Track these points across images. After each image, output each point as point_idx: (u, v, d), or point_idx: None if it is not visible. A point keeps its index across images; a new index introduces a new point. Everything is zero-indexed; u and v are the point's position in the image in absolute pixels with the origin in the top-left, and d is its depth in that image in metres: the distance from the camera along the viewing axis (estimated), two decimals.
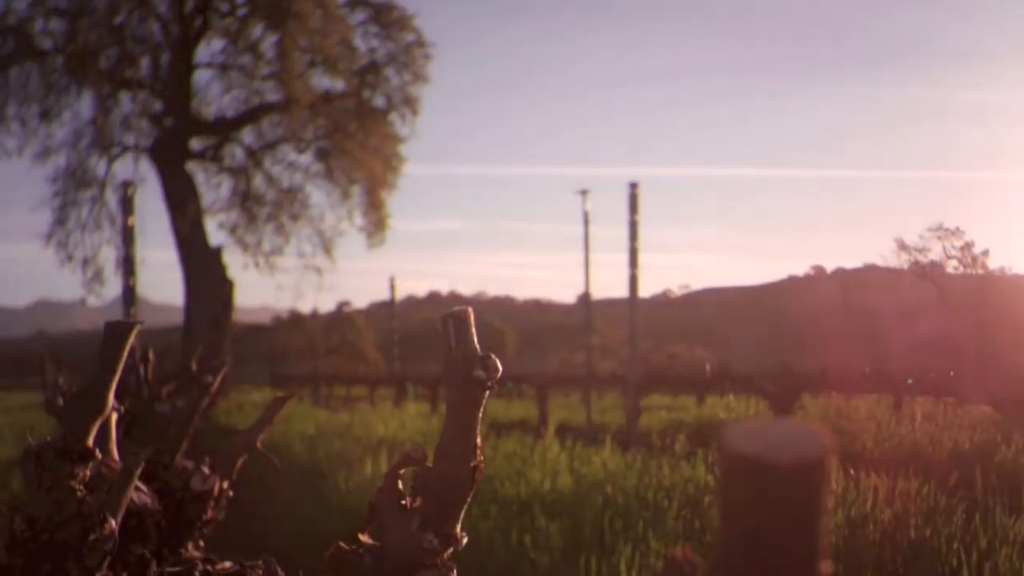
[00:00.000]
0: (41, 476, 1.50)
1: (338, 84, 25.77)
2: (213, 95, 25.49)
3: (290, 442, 10.03)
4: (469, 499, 1.33)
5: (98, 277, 24.79)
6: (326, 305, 77.61)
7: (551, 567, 4.52)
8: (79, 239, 24.69)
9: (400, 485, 1.34)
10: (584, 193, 15.03)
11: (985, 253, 18.80)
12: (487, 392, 1.31)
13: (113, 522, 1.51)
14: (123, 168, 24.95)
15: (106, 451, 1.78)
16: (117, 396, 1.59)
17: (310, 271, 26.57)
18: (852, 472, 6.03)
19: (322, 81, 25.54)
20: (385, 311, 25.10)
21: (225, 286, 23.79)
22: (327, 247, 26.61)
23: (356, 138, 25.76)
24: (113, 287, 25.16)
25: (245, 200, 26.19)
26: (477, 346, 1.31)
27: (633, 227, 10.88)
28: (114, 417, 1.88)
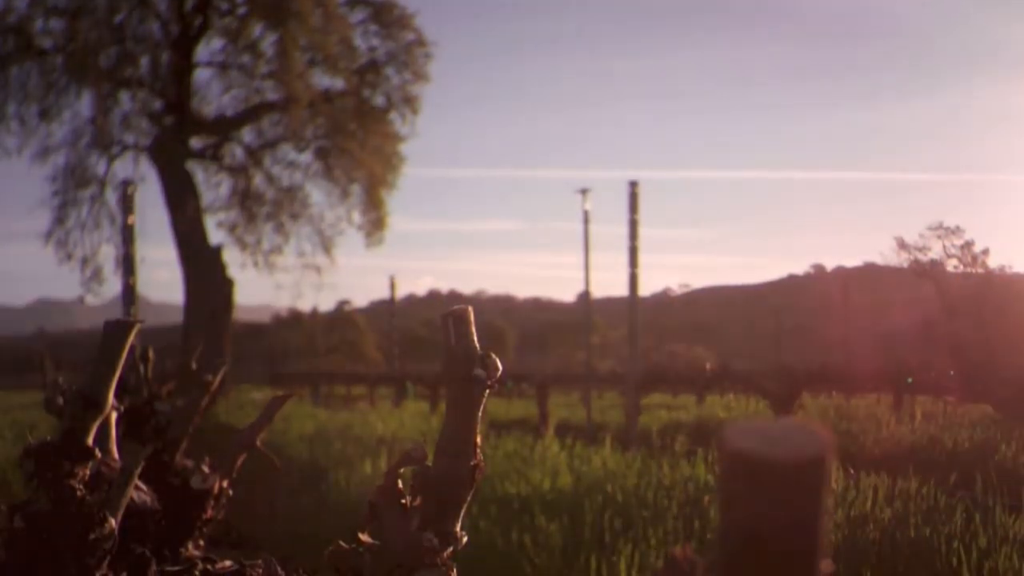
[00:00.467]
0: (41, 475, 1.50)
1: (338, 83, 25.79)
2: (213, 94, 25.51)
3: (290, 441, 10.04)
4: (469, 498, 1.33)
5: (97, 276, 24.81)
6: (326, 304, 77.69)
7: (551, 566, 4.52)
8: (79, 238, 24.71)
9: (400, 484, 1.34)
10: (584, 192, 15.04)
11: (985, 252, 18.79)
12: (487, 391, 1.31)
13: (113, 521, 1.51)
14: (123, 167, 24.97)
15: (106, 450, 1.78)
16: (117, 395, 1.59)
17: (310, 270, 26.60)
18: (852, 471, 6.03)
19: (322, 80, 25.56)
20: (385, 310, 25.10)
21: (225, 285, 23.79)
22: (327, 246, 26.63)
23: (356, 137, 25.76)
24: (113, 286, 25.17)
25: (245, 199, 26.20)
26: (477, 345, 1.31)
27: (633, 226, 10.89)
28: (114, 416, 1.88)
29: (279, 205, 26.45)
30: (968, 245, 18.51)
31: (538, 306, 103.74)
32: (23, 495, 1.54)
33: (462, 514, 1.33)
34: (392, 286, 22.56)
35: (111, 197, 24.26)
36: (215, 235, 25.27)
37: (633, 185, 10.93)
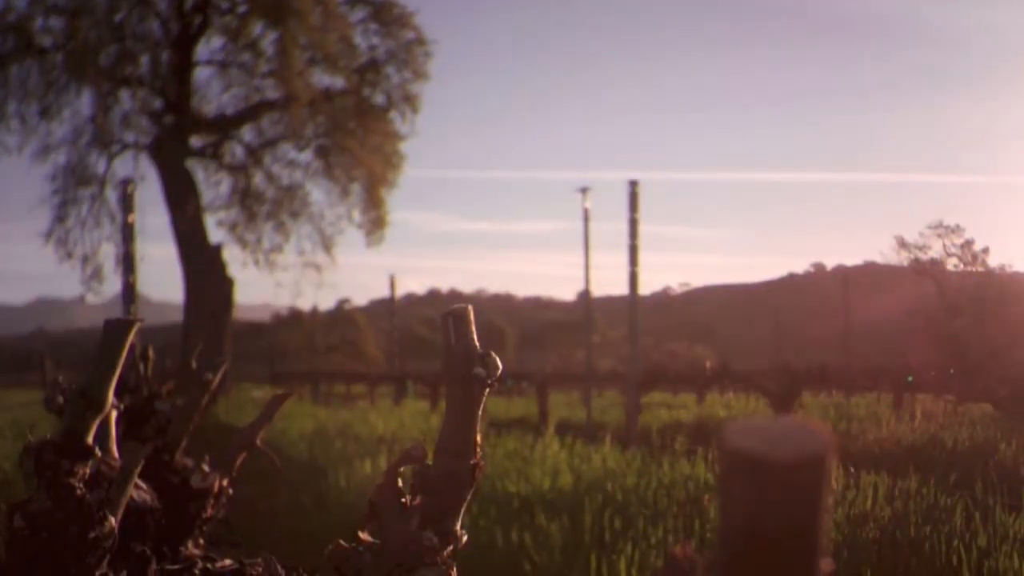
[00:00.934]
0: (41, 474, 1.50)
1: (338, 82, 25.79)
2: (213, 93, 25.51)
3: (290, 440, 10.04)
4: (469, 497, 1.33)
5: (97, 275, 24.82)
6: (326, 303, 77.67)
7: (551, 565, 4.52)
8: (79, 236, 24.72)
9: (400, 483, 1.34)
10: (584, 191, 15.04)
11: (985, 251, 18.81)
12: (487, 390, 1.31)
13: (113, 520, 1.51)
14: (123, 166, 24.97)
15: (106, 449, 1.78)
16: (117, 394, 1.59)
17: (310, 269, 26.61)
18: (852, 470, 6.03)
19: (322, 79, 25.56)
20: (385, 309, 25.10)
21: (225, 284, 23.80)
22: (327, 245, 26.64)
23: (356, 136, 25.76)
24: (113, 285, 25.17)
25: (245, 198, 26.20)
26: (477, 343, 1.31)
27: (633, 225, 10.89)
28: (114, 415, 1.88)
29: (279, 204, 26.45)
30: (968, 244, 18.53)
31: (538, 305, 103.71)
32: (23, 494, 1.54)
33: (462, 513, 1.33)
34: (392, 285, 22.58)
35: (111, 196, 24.28)
36: (215, 234, 25.29)
37: (633, 184, 10.93)
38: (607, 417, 14.08)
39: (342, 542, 1.33)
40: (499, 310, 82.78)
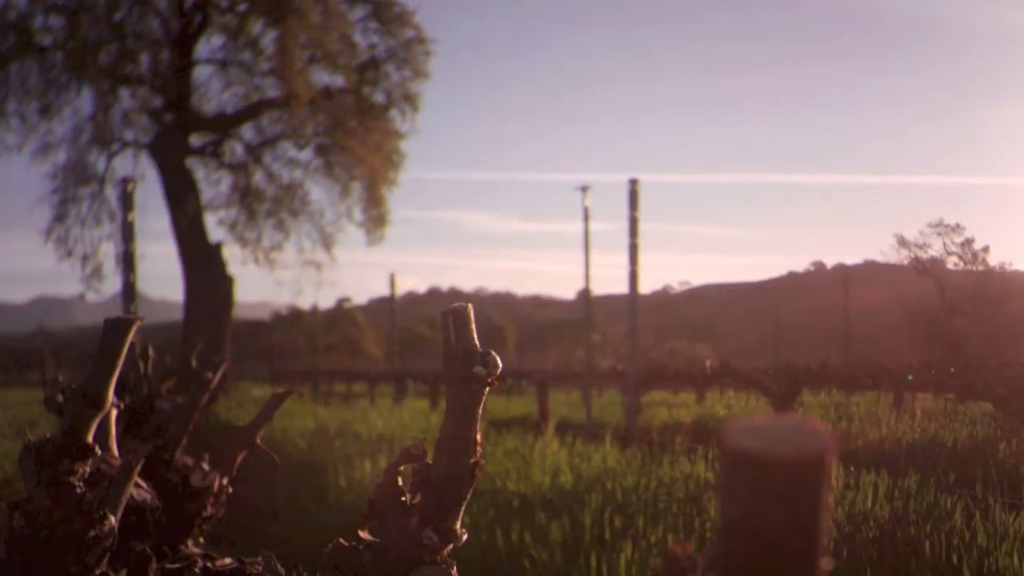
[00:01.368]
0: (41, 472, 1.50)
1: (338, 80, 25.78)
2: (213, 91, 25.51)
3: (290, 438, 10.04)
4: (468, 495, 1.33)
5: (97, 273, 24.83)
6: (326, 301, 77.68)
7: (551, 564, 4.52)
8: (79, 235, 24.73)
9: (400, 481, 1.34)
10: (584, 189, 15.04)
11: (985, 249, 18.81)
12: (487, 388, 1.31)
13: (113, 518, 1.51)
14: (123, 164, 24.98)
15: (106, 447, 1.78)
16: (117, 392, 1.58)
17: (310, 267, 26.61)
18: (852, 469, 6.03)
19: (322, 77, 25.55)
20: (385, 307, 25.10)
21: (225, 282, 23.80)
22: (327, 243, 26.65)
23: (356, 134, 25.76)
24: (113, 283, 25.19)
25: (245, 196, 26.20)
26: (477, 342, 1.31)
27: (633, 223, 10.89)
28: (114, 413, 1.88)
29: (279, 202, 26.45)
30: (968, 242, 18.53)
31: (538, 303, 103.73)
32: (23, 492, 1.54)
33: (462, 511, 1.33)
34: (392, 283, 22.56)
35: (111, 194, 24.28)
36: (215, 232, 25.37)
37: (633, 183, 10.93)
38: (607, 416, 14.08)
39: (342, 540, 1.33)
40: (499, 308, 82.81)
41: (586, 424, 12.47)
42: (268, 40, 24.61)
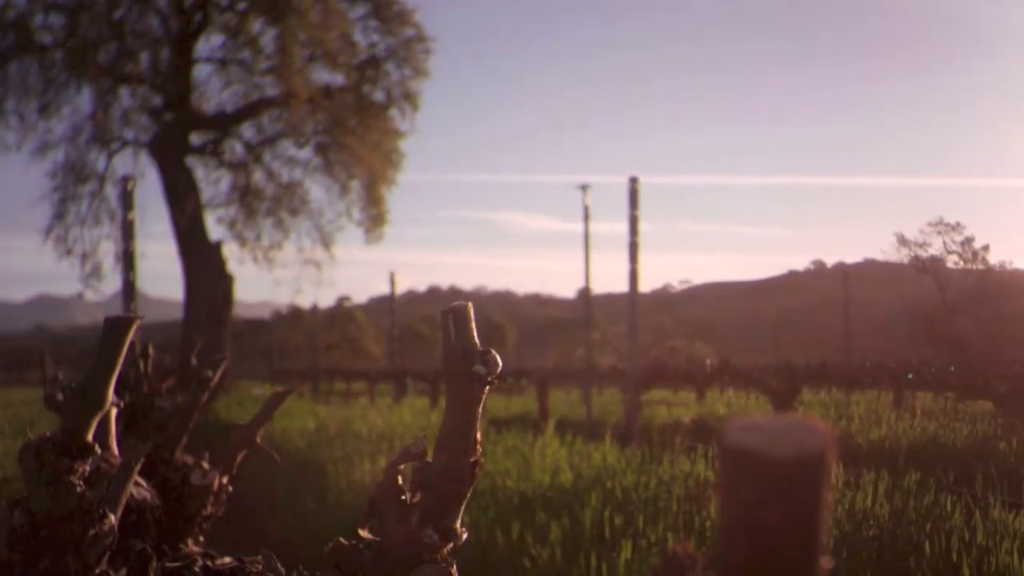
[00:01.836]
0: (41, 471, 1.50)
1: (338, 79, 25.79)
2: (213, 90, 25.53)
3: (290, 437, 10.04)
4: (469, 494, 1.33)
5: (97, 272, 24.86)
6: (326, 300, 77.72)
7: (551, 563, 4.52)
8: (78, 234, 24.75)
9: (400, 480, 1.34)
10: (584, 188, 15.04)
11: (985, 248, 18.81)
12: (487, 387, 1.31)
13: (113, 517, 1.51)
14: (123, 163, 25.01)
15: (106, 446, 1.78)
16: (117, 391, 1.58)
17: (309, 266, 26.63)
18: (852, 467, 6.03)
19: (322, 76, 25.57)
20: (385, 306, 25.09)
21: (225, 281, 23.82)
22: (326, 242, 26.66)
23: (356, 133, 25.77)
24: (113, 282, 25.20)
25: (245, 195, 26.22)
26: (477, 341, 1.31)
27: (633, 222, 10.88)
28: (114, 412, 1.88)
29: (279, 201, 26.47)
30: (968, 241, 18.53)
31: (538, 302, 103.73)
32: (23, 491, 1.54)
33: (462, 510, 1.33)
34: (392, 282, 22.55)
35: (111, 193, 24.31)
36: (215, 231, 25.38)
37: (633, 181, 10.92)
38: (607, 414, 14.08)
39: (342, 540, 1.33)
40: (499, 307, 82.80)
41: (586, 423, 12.47)
42: (268, 39, 24.64)
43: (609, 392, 20.54)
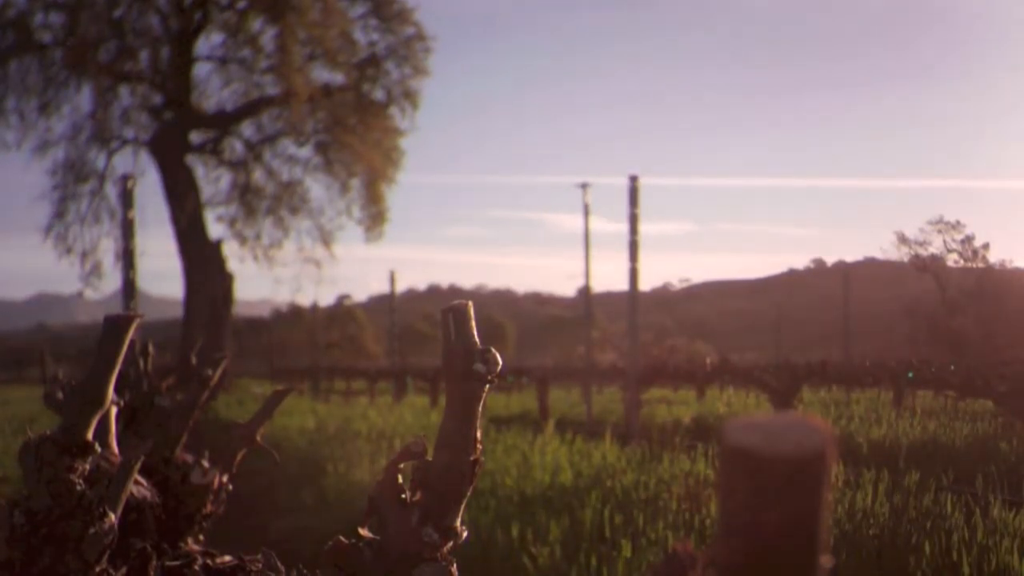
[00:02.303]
0: (40, 470, 1.50)
1: (338, 77, 25.80)
2: (213, 88, 25.54)
3: (290, 436, 10.04)
4: (469, 493, 1.33)
5: (96, 270, 24.87)
6: (326, 299, 77.71)
7: (551, 561, 4.53)
8: (78, 232, 24.77)
9: (400, 479, 1.34)
10: (584, 186, 15.04)
11: (985, 247, 18.81)
12: (487, 386, 1.31)
13: (113, 516, 1.51)
14: (123, 161, 25.03)
15: (105, 445, 1.78)
16: (117, 389, 1.58)
17: (309, 264, 26.63)
18: (852, 466, 6.04)
19: (322, 74, 25.58)
20: (385, 304, 25.09)
21: (225, 279, 23.82)
22: (326, 240, 26.67)
23: (356, 131, 25.77)
24: (113, 280, 25.21)
25: (244, 193, 26.23)
26: (477, 340, 1.31)
27: (633, 220, 10.88)
28: (114, 411, 1.88)
29: (279, 199, 26.48)
30: (968, 240, 18.52)
31: (538, 301, 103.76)
32: (23, 490, 1.54)
33: (462, 509, 1.33)
34: (392, 281, 22.55)
35: (111, 191, 24.33)
36: (215, 229, 25.40)
37: (633, 180, 10.92)
38: (607, 413, 14.08)
39: (342, 538, 1.33)
40: (499, 306, 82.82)
41: (586, 421, 12.48)
42: (268, 37, 24.65)
43: (609, 391, 20.55)
